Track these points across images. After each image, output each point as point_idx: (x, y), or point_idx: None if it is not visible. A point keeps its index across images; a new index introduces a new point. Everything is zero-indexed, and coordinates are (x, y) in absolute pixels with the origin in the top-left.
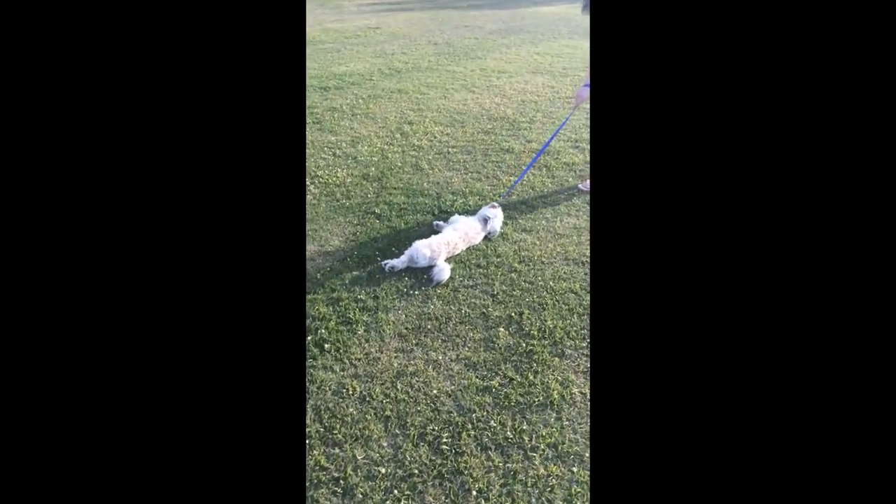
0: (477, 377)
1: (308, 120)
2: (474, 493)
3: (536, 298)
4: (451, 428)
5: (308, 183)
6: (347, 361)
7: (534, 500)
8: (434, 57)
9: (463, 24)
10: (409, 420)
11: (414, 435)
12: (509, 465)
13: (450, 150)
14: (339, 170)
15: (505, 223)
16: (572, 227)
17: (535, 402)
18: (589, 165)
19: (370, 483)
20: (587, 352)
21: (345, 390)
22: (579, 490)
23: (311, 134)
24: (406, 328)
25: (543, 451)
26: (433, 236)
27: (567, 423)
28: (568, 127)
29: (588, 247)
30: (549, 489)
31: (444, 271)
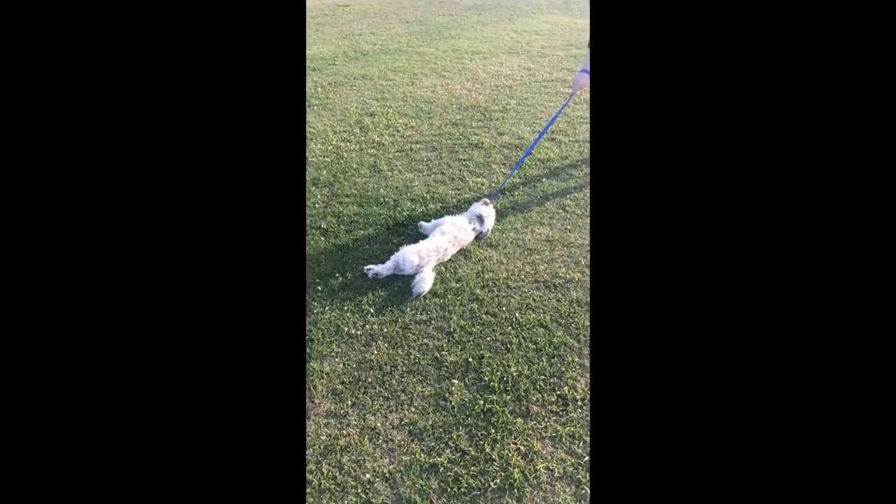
0: (422, 450)
1: None
2: None
3: (499, 336)
4: None
5: None
6: None
7: None
8: (405, 37)
9: None
10: None
11: None
12: None
13: (413, 146)
14: None
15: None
16: (544, 239)
17: (490, 484)
18: (565, 161)
19: None
20: (556, 408)
21: None
22: None
23: None
24: (342, 382)
25: None
26: (422, 242)
27: None
28: (542, 117)
29: (561, 265)
30: None
31: (424, 282)
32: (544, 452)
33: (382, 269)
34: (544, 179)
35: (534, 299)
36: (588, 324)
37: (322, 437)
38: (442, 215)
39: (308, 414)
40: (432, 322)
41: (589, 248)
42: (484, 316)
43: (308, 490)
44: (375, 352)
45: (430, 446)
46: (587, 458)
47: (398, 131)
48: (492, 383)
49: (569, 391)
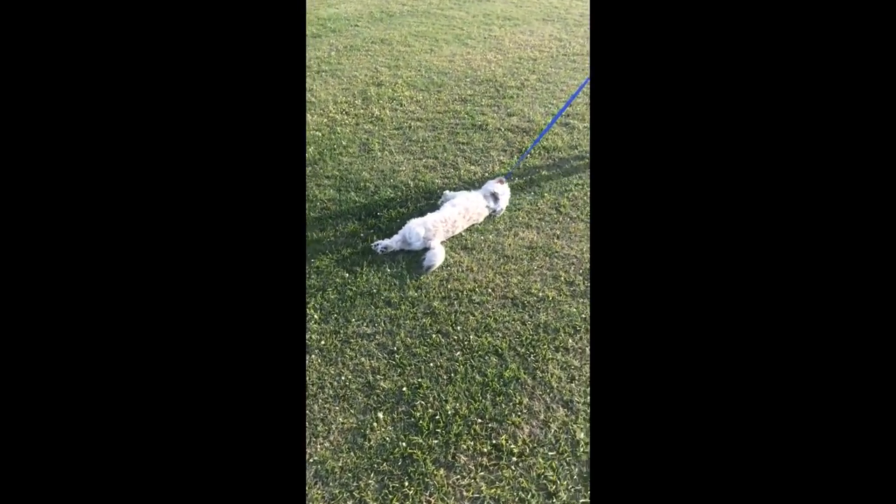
0: (322, 498)
1: None
2: None
3: (445, 362)
4: None
5: None
6: None
7: None
8: None
9: None
10: None
11: None
12: None
13: (412, 124)
14: None
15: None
16: (526, 245)
17: None
18: (573, 152)
19: None
20: (487, 461)
21: None
22: None
23: None
24: None
25: None
26: (429, 214)
27: None
28: (561, 96)
29: (537, 278)
30: None
31: (436, 255)
32: None
33: (391, 242)
34: (543, 171)
35: (495, 319)
36: (549, 356)
37: None
38: (426, 206)
39: None
40: (376, 337)
41: (573, 259)
42: (434, 335)
43: None
44: (306, 368)
45: (333, 493)
46: None
47: (401, 105)
48: (421, 421)
49: (506, 441)
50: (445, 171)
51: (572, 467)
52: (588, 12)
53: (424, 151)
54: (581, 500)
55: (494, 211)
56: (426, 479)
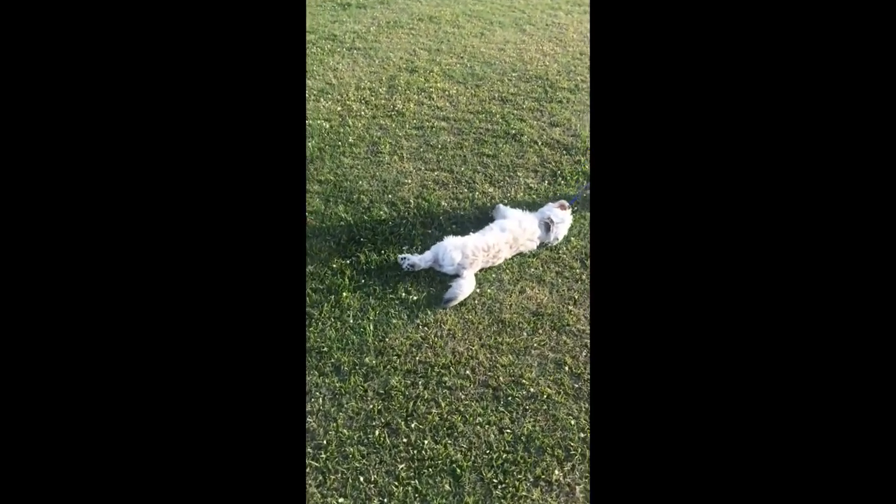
0: None
1: None
2: None
3: (382, 478)
4: None
5: None
6: None
7: None
8: None
9: None
10: None
11: None
12: None
13: (436, 123)
14: None
15: (431, 278)
16: (531, 310)
17: None
18: None
19: None
20: None
21: None
22: None
23: None
24: None
25: None
26: (472, 234)
27: None
28: None
29: (535, 362)
30: None
31: (463, 288)
32: None
33: (419, 260)
34: (576, 206)
35: (466, 417)
36: (524, 493)
37: None
38: (423, 235)
39: None
40: (308, 419)
41: (587, 340)
42: (379, 430)
43: None
44: None
45: None
46: None
47: (430, 99)
48: None
49: None
50: (458, 189)
51: None
52: None
53: (440, 161)
54: None
55: (549, 241)
56: None
